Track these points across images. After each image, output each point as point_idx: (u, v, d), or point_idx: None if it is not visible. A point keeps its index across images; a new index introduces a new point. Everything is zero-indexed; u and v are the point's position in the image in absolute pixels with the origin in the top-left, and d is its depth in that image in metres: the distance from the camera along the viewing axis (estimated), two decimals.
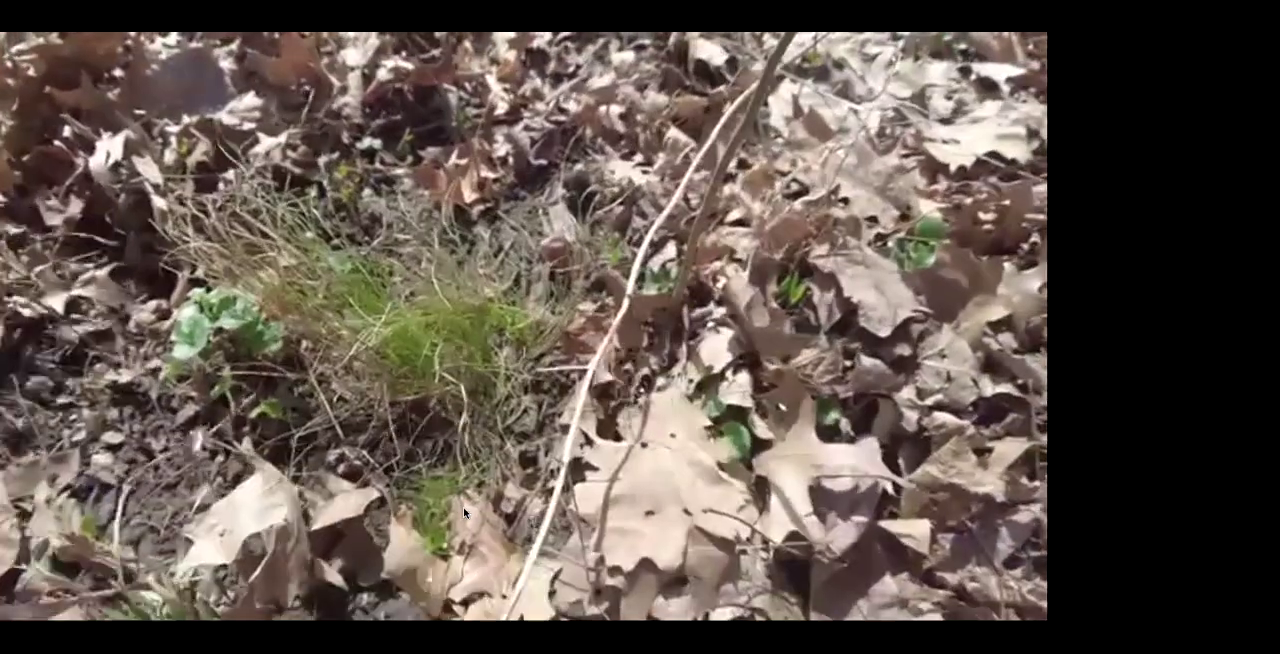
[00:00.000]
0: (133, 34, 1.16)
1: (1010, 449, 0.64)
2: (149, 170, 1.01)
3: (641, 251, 0.73)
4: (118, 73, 1.12)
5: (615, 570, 0.62)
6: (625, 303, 0.69)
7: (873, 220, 0.88)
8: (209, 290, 0.86)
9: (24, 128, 1.06)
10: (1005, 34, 1.26)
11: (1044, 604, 0.63)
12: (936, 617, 0.63)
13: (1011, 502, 0.63)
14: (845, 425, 0.70)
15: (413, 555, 0.64)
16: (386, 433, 0.77)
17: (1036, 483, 0.62)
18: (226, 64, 1.17)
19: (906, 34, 1.28)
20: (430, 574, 0.64)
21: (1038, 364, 0.71)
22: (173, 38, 1.27)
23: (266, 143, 1.03)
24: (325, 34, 1.19)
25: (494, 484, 0.75)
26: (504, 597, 0.65)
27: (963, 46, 1.27)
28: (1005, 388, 0.69)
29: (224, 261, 0.81)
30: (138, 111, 1.06)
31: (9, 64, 1.06)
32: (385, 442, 0.78)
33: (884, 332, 0.71)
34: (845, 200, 0.88)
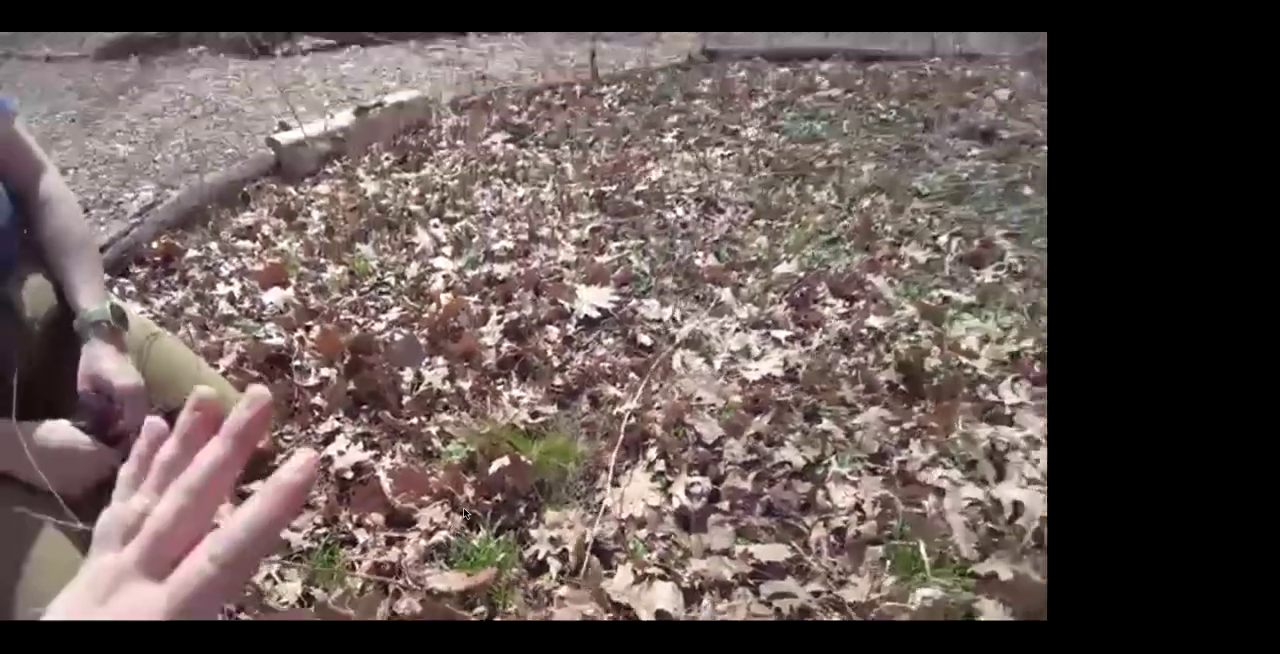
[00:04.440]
0: (380, 335, 2.44)
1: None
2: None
3: (623, 424, 1.95)
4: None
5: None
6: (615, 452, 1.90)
7: (711, 405, 2.12)
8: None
9: (347, 375, 2.29)
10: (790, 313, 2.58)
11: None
12: None
13: None
14: None
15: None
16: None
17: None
18: (423, 341, 2.43)
19: (746, 315, 2.60)
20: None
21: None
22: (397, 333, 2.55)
23: (458, 383, 2.27)
24: (469, 322, 2.47)
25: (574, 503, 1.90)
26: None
27: (769, 322, 2.59)
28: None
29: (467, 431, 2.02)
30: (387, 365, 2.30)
31: (337, 342, 2.31)
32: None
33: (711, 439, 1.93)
34: (700, 398, 2.13)
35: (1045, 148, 4.11)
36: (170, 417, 0.39)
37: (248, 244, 3.11)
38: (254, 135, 4.42)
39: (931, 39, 7.24)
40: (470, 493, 1.85)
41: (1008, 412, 2.01)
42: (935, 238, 2.95)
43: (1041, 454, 1.90)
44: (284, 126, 3.88)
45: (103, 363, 1.19)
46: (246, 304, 2.66)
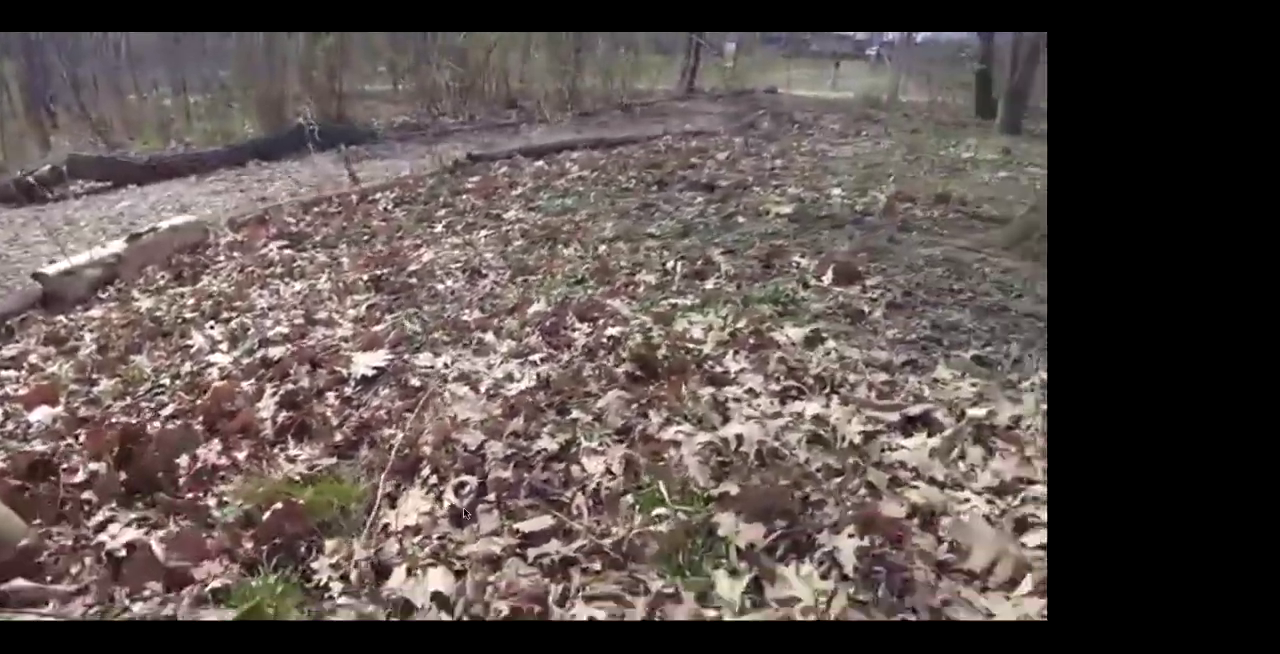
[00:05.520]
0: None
1: None
2: None
3: (393, 451, 1.97)
4: None
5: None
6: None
7: (476, 421, 2.18)
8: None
9: (117, 466, 2.12)
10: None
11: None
12: None
13: None
14: None
15: None
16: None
17: None
18: (199, 428, 2.32)
19: (506, 349, 2.69)
20: None
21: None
22: None
23: (233, 454, 2.17)
24: (245, 401, 2.39)
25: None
26: None
27: (526, 351, 2.70)
28: None
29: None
30: None
31: (104, 436, 2.15)
32: None
33: (475, 445, 1.98)
34: (467, 418, 2.18)
35: (755, 189, 4.65)
36: None
37: (12, 373, 2.84)
38: (21, 276, 4.07)
39: (665, 123, 8.03)
40: (250, 545, 1.77)
41: (731, 376, 2.23)
42: (665, 264, 3.23)
43: (761, 401, 2.11)
44: (54, 263, 3.64)
45: None
46: (10, 426, 2.42)
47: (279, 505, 1.80)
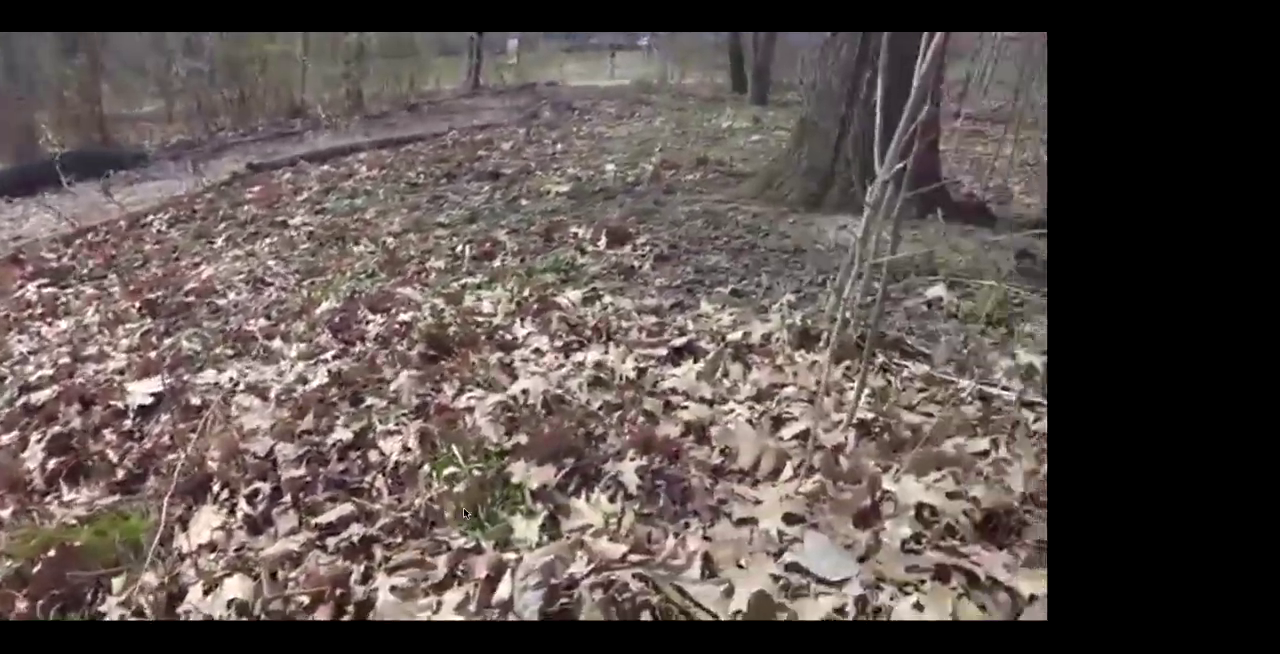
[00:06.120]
0: None
1: None
2: None
3: (175, 475, 1.77)
4: None
5: None
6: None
7: (265, 428, 2.01)
8: None
9: None
10: None
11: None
12: None
13: None
14: None
15: None
16: None
17: None
18: None
19: (296, 353, 2.50)
20: None
21: None
22: None
23: None
24: (7, 456, 2.04)
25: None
26: None
27: (317, 350, 2.53)
28: None
29: None
30: None
31: None
32: None
33: (264, 451, 1.83)
34: (255, 427, 2.01)
35: (538, 173, 4.60)
36: None
37: None
38: None
39: (452, 120, 7.74)
40: (24, 605, 1.53)
41: (518, 340, 2.21)
42: (454, 249, 3.13)
43: (546, 357, 2.12)
44: None
45: None
46: None
47: (52, 553, 1.57)
